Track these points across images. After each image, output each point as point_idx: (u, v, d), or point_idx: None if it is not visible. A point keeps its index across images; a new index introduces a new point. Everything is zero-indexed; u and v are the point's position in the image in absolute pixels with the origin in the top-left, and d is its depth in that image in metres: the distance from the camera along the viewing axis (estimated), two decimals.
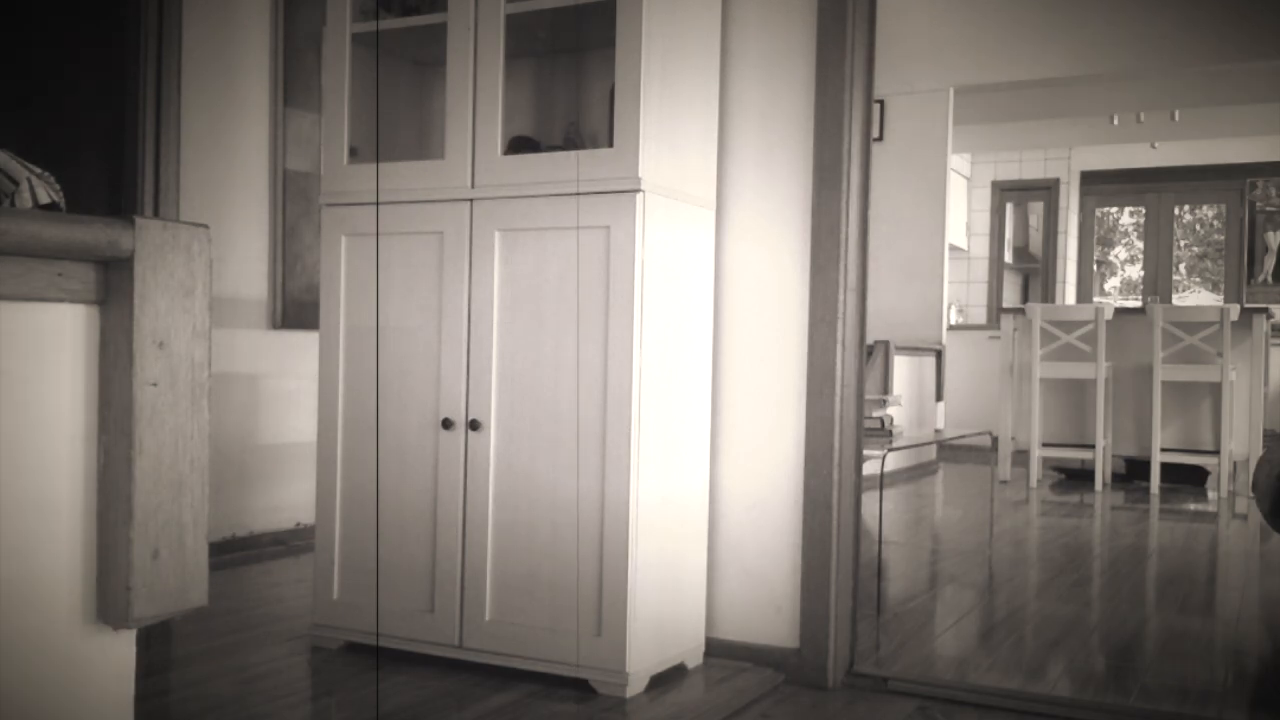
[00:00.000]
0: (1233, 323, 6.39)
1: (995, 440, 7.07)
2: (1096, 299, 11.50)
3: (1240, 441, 6.67)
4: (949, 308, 9.35)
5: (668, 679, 2.72)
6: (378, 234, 2.86)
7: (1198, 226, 11.59)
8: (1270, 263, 10.67)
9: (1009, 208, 11.46)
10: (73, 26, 3.87)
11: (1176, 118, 9.84)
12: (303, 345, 4.37)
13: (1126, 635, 3.37)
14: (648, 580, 2.64)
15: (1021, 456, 7.01)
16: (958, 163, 10.58)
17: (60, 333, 1.21)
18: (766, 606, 2.87)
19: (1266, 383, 6.84)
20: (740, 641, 2.89)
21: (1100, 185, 11.40)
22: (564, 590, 2.64)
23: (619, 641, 2.57)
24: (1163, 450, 6.61)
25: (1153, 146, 10.71)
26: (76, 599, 1.23)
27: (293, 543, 4.33)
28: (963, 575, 4.24)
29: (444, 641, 2.77)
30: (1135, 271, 11.79)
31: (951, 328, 9.55)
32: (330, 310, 2.93)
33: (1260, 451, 6.45)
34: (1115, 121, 10.09)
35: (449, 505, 2.76)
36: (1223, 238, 11.12)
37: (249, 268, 4.25)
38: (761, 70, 2.89)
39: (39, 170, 1.33)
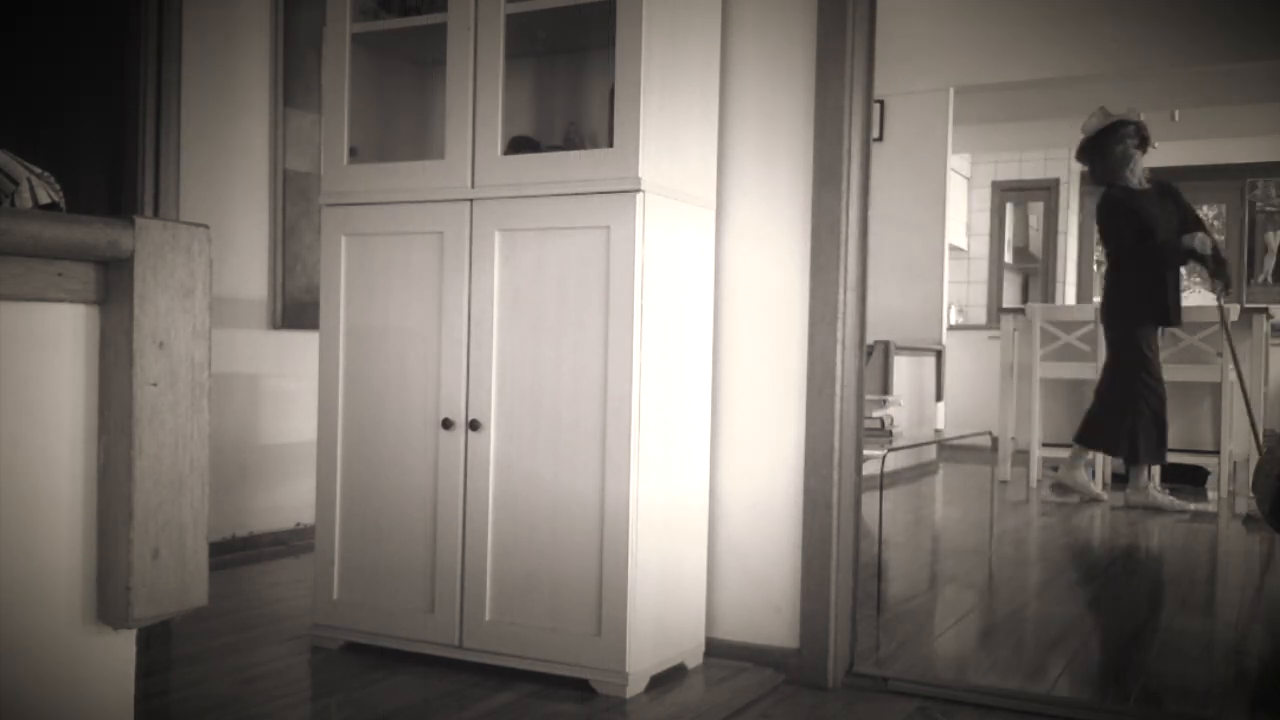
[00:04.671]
0: (1233, 323, 6.38)
1: (995, 440, 7.06)
2: (1096, 299, 11.49)
3: (1240, 441, 6.66)
4: (949, 308, 9.34)
5: (668, 679, 2.72)
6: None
7: None
8: (1270, 263, 10.67)
9: (1009, 208, 11.45)
10: (73, 27, 3.87)
11: (1176, 118, 9.83)
12: (303, 345, 4.37)
13: (1126, 635, 3.37)
14: (648, 580, 2.64)
15: (1021, 456, 7.01)
16: (958, 163, 10.57)
17: (60, 333, 1.21)
18: (766, 606, 2.87)
19: (1266, 383, 6.84)
20: (740, 641, 2.89)
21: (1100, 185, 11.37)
22: (564, 590, 2.64)
23: (619, 641, 2.57)
24: None
25: (1153, 146, 10.70)
26: (76, 599, 1.23)
27: (293, 543, 4.33)
28: (963, 575, 4.24)
29: (444, 641, 2.77)
30: None
31: (951, 328, 9.54)
32: (330, 310, 2.93)
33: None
34: None
35: (449, 505, 2.76)
36: (1223, 238, 11.12)
37: (249, 268, 4.25)
38: (761, 70, 2.89)
39: (39, 170, 1.33)
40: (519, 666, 2.69)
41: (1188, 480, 6.84)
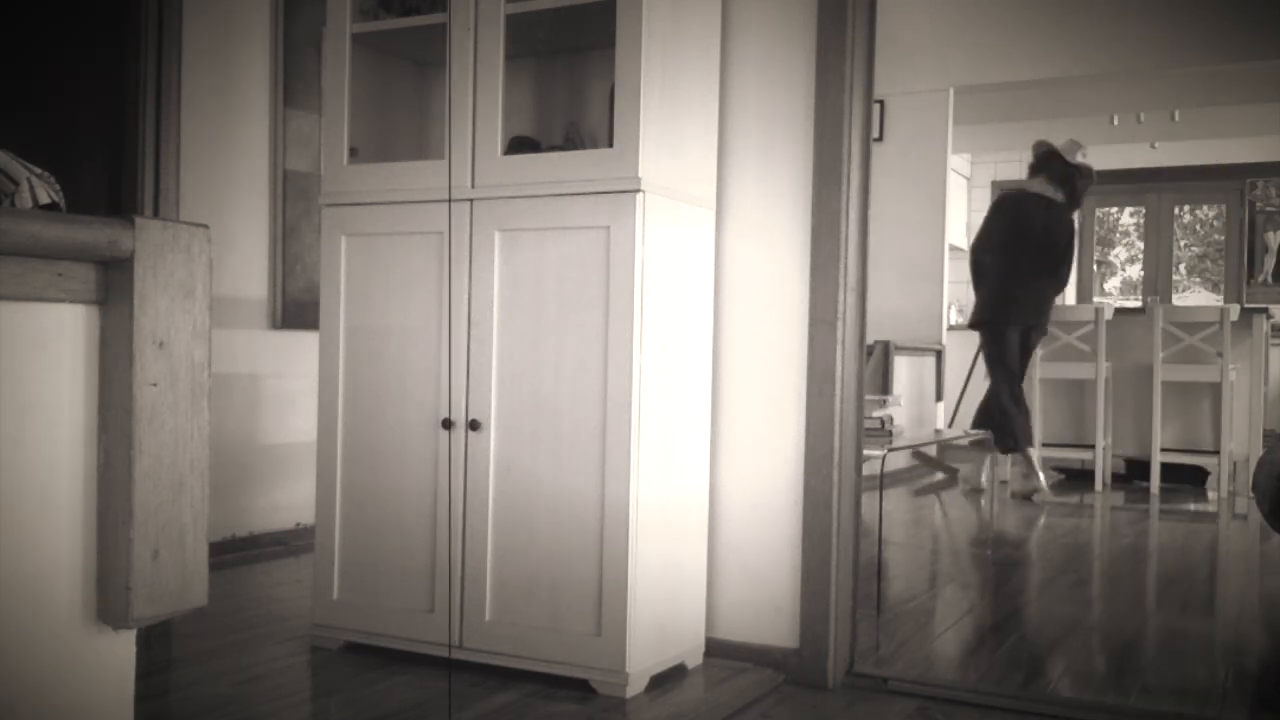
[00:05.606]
0: (1233, 323, 6.39)
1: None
2: (1096, 299, 11.49)
3: (1240, 441, 6.66)
4: (949, 308, 9.33)
5: (668, 679, 2.72)
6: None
7: (1198, 226, 11.59)
8: (1270, 263, 10.67)
9: None
10: (73, 26, 3.87)
11: (1176, 118, 9.83)
12: (303, 345, 4.37)
13: (1126, 635, 3.37)
14: (648, 580, 2.64)
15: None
16: (958, 163, 10.57)
17: (60, 333, 1.21)
18: (766, 606, 2.87)
19: (1266, 382, 6.84)
20: (740, 641, 2.89)
21: (1100, 185, 11.37)
22: (564, 590, 2.64)
23: (619, 641, 2.57)
24: (1163, 450, 6.61)
25: (1153, 146, 10.71)
26: (76, 599, 1.23)
27: (293, 543, 4.33)
28: (963, 575, 4.24)
29: (444, 641, 2.77)
30: (1135, 271, 11.79)
31: (951, 328, 9.54)
32: (330, 310, 2.93)
33: (1260, 451, 6.45)
34: (1115, 121, 10.08)
35: (449, 505, 2.76)
36: (1223, 238, 11.13)
37: (249, 268, 4.25)
38: (761, 70, 2.89)
39: (39, 170, 1.33)
40: (519, 666, 2.68)
41: (1188, 480, 6.84)
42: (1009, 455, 6.47)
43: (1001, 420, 6.14)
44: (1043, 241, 6.18)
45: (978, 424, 6.26)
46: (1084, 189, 6.35)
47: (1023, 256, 6.18)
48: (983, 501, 6.36)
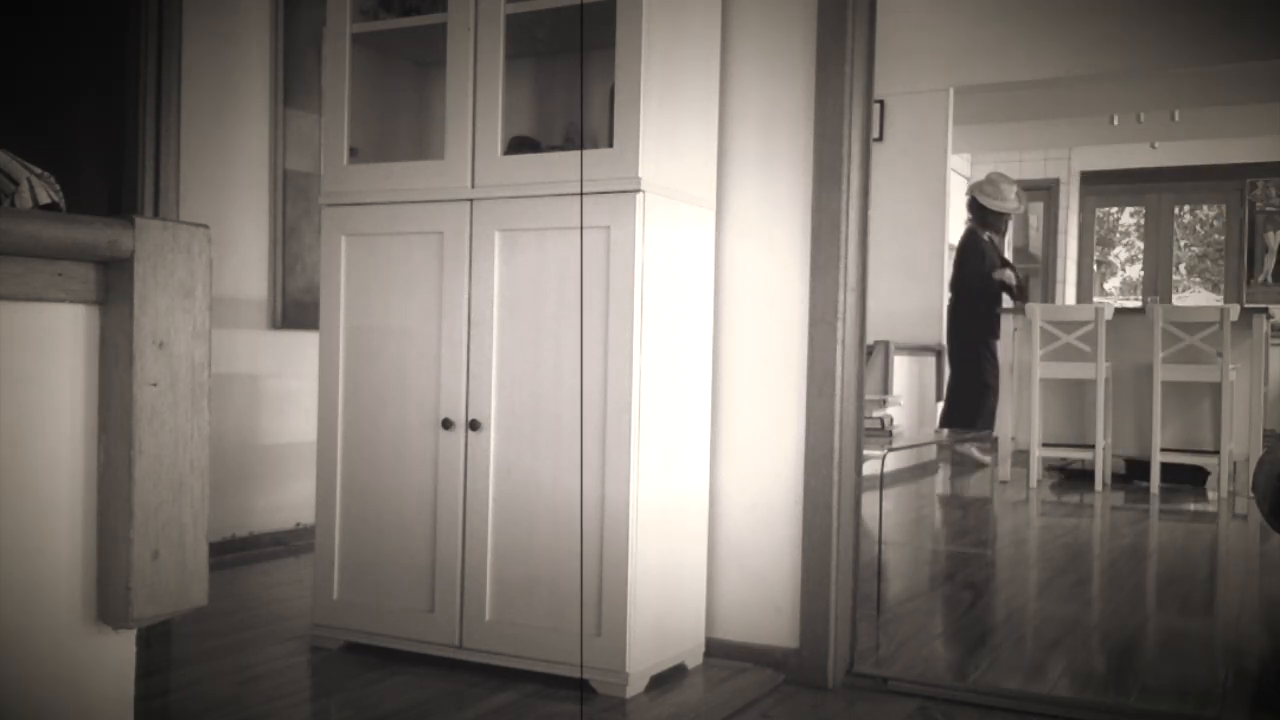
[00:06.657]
0: (1233, 323, 6.39)
1: (995, 440, 7.06)
2: (1096, 299, 11.50)
3: (1240, 441, 6.66)
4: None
5: (668, 679, 2.72)
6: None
7: (1198, 226, 11.60)
8: (1270, 263, 10.67)
9: None
10: (73, 26, 3.87)
11: (1176, 118, 9.83)
12: (303, 345, 4.37)
13: (1126, 635, 3.37)
14: (648, 580, 2.64)
15: (1021, 456, 7.01)
16: (958, 163, 10.57)
17: (60, 333, 1.21)
18: (766, 606, 2.87)
19: (1266, 382, 6.84)
20: (740, 641, 2.89)
21: (1100, 185, 11.40)
22: (564, 590, 2.64)
23: (619, 641, 2.57)
24: (1163, 450, 6.61)
25: (1153, 146, 10.72)
26: (76, 599, 1.23)
27: (293, 543, 4.33)
28: (963, 575, 4.24)
29: (444, 641, 2.77)
30: (1135, 271, 11.79)
31: None
32: (330, 310, 2.93)
33: (1260, 451, 6.45)
34: (1115, 121, 10.09)
35: (449, 505, 2.76)
36: (1223, 238, 11.13)
37: (249, 268, 4.25)
38: (762, 70, 2.89)
39: (39, 170, 1.33)
40: (519, 666, 2.68)
41: (1188, 480, 6.84)
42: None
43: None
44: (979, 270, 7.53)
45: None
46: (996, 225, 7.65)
47: (964, 288, 7.55)
48: (973, 480, 6.61)
